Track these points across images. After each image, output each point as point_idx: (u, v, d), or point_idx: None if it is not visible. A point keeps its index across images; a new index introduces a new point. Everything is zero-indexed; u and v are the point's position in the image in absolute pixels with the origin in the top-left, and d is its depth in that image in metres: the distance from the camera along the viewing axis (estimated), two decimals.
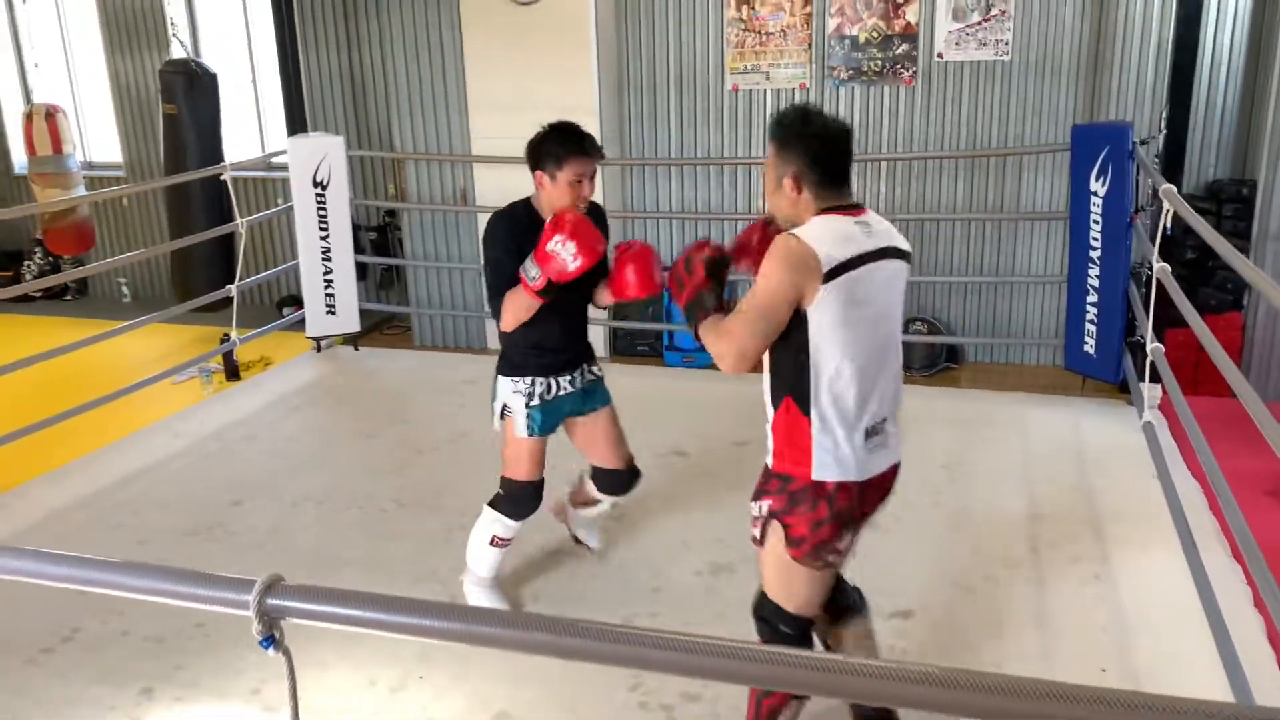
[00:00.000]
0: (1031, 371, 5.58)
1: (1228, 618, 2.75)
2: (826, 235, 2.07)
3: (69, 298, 7.99)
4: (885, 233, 2.17)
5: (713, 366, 5.73)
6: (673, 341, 5.80)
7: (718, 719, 2.70)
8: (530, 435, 2.99)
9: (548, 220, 2.71)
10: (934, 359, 5.53)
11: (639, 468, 3.24)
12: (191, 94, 6.14)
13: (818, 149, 2.14)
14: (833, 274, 2.03)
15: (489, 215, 2.89)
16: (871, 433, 2.15)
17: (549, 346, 2.97)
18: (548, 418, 3.01)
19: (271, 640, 1.07)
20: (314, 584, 1.09)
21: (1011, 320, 5.71)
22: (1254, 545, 2.57)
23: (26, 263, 8.01)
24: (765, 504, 2.24)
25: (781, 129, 2.18)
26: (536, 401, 2.97)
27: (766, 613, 2.33)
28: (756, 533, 2.28)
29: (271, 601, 1.05)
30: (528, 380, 2.97)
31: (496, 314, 2.82)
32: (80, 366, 5.43)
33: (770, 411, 2.21)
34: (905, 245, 2.22)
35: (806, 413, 2.13)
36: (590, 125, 5.65)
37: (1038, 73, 5.38)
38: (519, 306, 2.76)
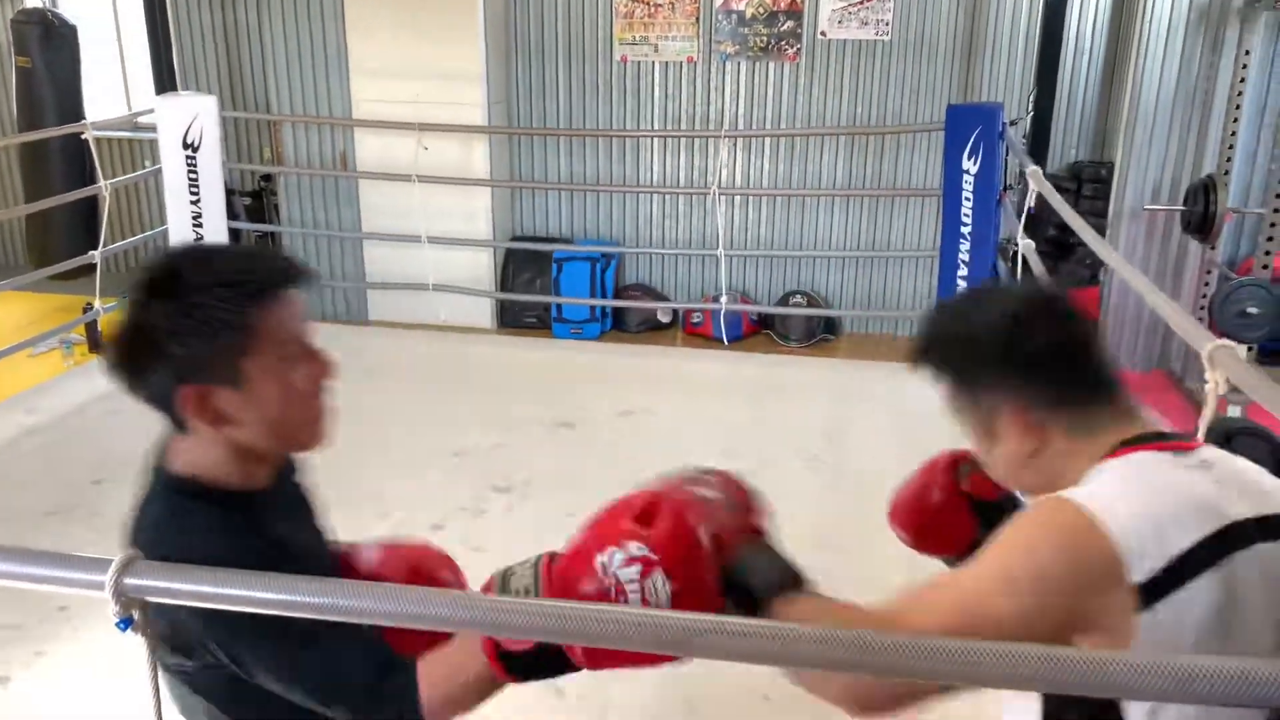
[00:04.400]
0: (905, 342, 5.76)
1: None
2: (1138, 497, 1.01)
3: None
4: (1244, 480, 1.06)
5: (602, 337, 5.81)
6: (561, 313, 5.79)
7: (600, 686, 2.73)
8: None
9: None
10: (812, 331, 5.68)
11: None
12: (47, 46, 5.76)
13: (1031, 344, 1.13)
14: (1157, 588, 0.96)
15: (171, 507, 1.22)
16: None
17: None
18: None
19: (129, 622, 1.01)
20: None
21: (887, 293, 5.90)
22: None
23: None
24: None
25: (936, 348, 1.22)
26: None
27: None
28: None
29: (129, 581, 1.00)
30: None
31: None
32: None
33: None
34: None
35: None
36: (476, 93, 5.61)
37: (916, 53, 5.54)
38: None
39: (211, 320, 1.10)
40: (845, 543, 3.46)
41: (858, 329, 5.96)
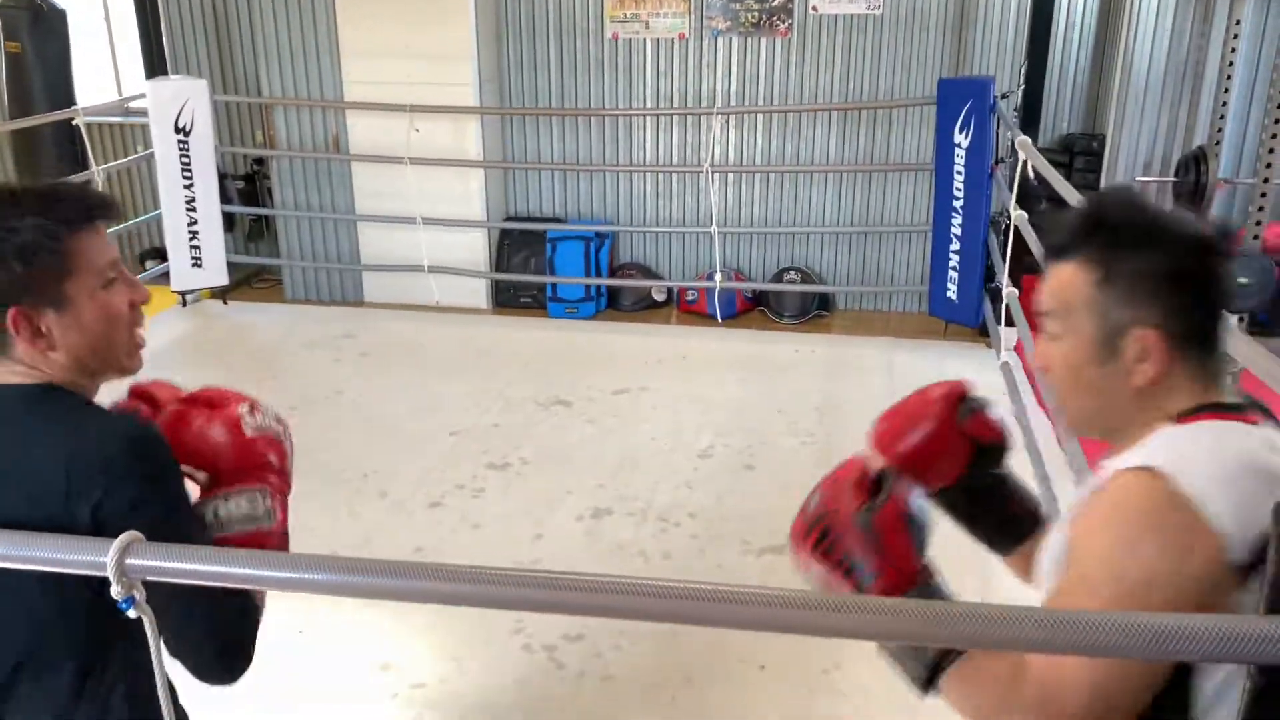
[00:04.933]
0: (899, 318, 5.81)
1: None
2: (1222, 469, 0.99)
3: None
4: None
5: (597, 316, 5.84)
6: (556, 293, 5.81)
7: (599, 657, 2.78)
8: None
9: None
10: (806, 307, 5.70)
11: None
12: (36, 31, 5.75)
13: (1200, 277, 1.09)
14: (1250, 567, 0.95)
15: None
16: None
17: None
18: None
19: (131, 601, 1.03)
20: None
21: (880, 269, 5.92)
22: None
23: None
24: None
25: (1113, 233, 1.10)
26: None
27: None
28: None
29: (131, 561, 1.02)
30: None
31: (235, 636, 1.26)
32: None
33: None
34: None
35: None
36: (467, 72, 5.60)
37: (907, 27, 5.53)
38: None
39: (29, 245, 1.19)
40: None
41: (852, 305, 5.99)
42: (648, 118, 5.89)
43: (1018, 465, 3.52)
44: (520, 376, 4.78)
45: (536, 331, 5.55)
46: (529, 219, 6.08)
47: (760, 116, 5.76)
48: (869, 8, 5.53)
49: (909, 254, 5.83)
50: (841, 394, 4.56)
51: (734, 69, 5.73)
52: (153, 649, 1.09)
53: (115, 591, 1.03)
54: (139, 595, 1.05)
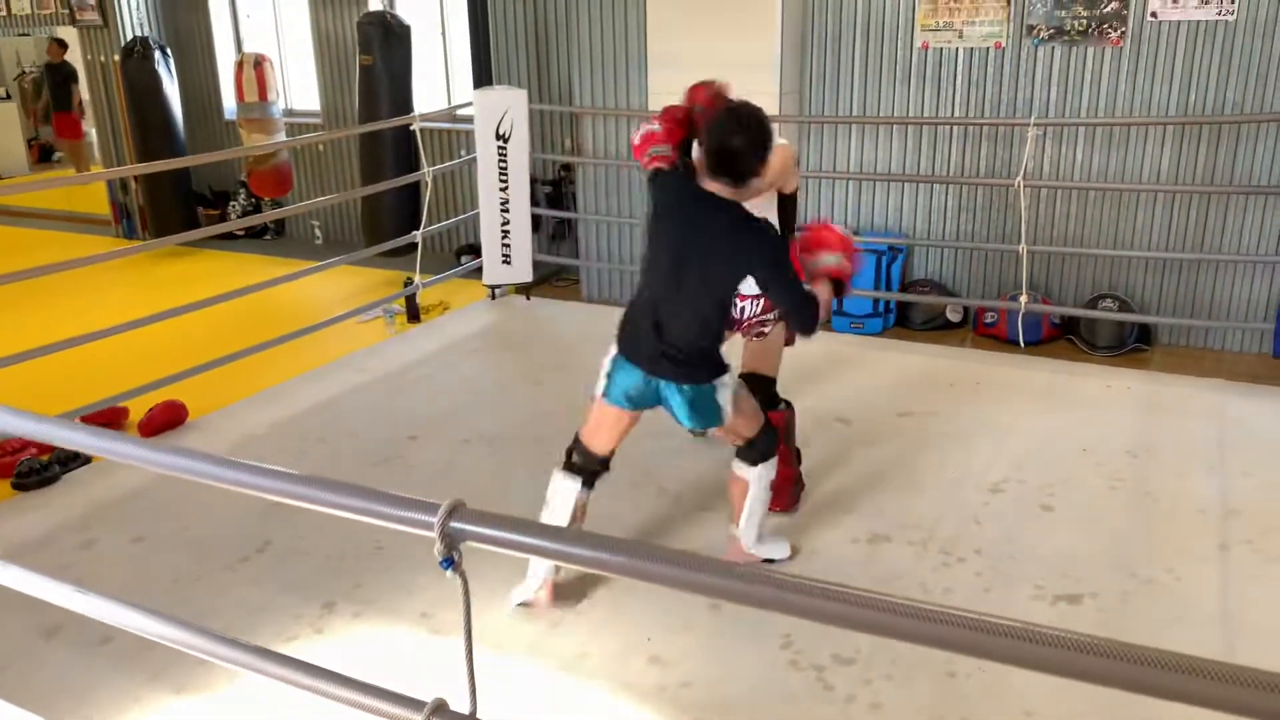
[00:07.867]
0: (1233, 359, 5.16)
1: None
2: None
3: (268, 237, 8.54)
4: None
5: (884, 334, 5.64)
6: (842, 306, 5.68)
7: (869, 684, 2.66)
8: None
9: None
10: (1123, 339, 5.20)
11: None
12: (386, 45, 6.41)
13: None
14: None
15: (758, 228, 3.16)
16: None
17: None
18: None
19: (450, 562, 1.13)
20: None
21: (1214, 301, 5.29)
22: None
23: (232, 203, 8.60)
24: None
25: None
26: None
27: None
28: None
29: (454, 525, 1.12)
30: None
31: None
32: (275, 302, 5.82)
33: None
34: None
35: None
36: (768, 82, 5.60)
37: (1266, 34, 4.91)
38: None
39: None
40: (1150, 572, 3.15)
41: (1177, 340, 5.40)
42: (955, 128, 5.63)
43: None
44: (799, 390, 4.71)
45: (817, 345, 5.44)
46: None
47: (1083, 129, 5.34)
48: (1220, 14, 4.97)
49: (1250, 287, 5.17)
50: (1159, 437, 4.12)
51: (1054, 79, 5.35)
52: (463, 611, 1.15)
53: (438, 550, 1.12)
54: (457, 557, 1.14)
